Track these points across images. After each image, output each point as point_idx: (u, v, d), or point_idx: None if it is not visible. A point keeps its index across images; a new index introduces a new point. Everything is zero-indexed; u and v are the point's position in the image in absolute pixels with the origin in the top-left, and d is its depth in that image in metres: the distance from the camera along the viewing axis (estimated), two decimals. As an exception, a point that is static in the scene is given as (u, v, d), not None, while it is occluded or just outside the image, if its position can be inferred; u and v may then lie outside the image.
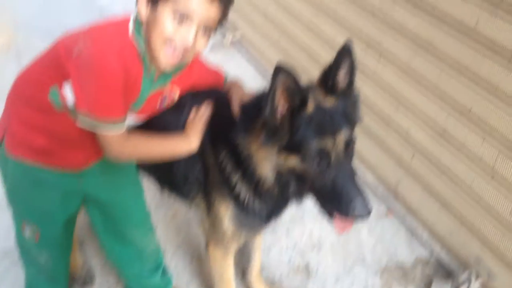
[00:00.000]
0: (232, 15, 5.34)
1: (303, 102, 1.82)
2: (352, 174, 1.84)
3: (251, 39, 4.81)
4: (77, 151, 2.01)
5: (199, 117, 2.05)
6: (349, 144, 1.84)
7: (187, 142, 2.00)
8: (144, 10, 1.77)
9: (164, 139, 1.99)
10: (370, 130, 3.33)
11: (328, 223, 1.90)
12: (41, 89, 1.85)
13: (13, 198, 2.15)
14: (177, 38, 1.73)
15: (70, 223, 2.25)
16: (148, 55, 1.80)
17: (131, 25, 1.80)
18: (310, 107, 1.83)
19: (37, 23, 5.33)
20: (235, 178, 2.06)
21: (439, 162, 2.87)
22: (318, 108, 1.85)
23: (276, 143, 1.85)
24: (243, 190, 2.07)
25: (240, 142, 1.98)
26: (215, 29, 1.85)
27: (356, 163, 3.46)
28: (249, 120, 1.98)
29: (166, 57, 1.78)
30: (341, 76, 1.91)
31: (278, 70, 1.75)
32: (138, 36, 1.79)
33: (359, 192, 1.78)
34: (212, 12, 1.75)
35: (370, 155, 3.41)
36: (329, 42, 3.60)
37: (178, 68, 1.94)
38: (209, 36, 1.83)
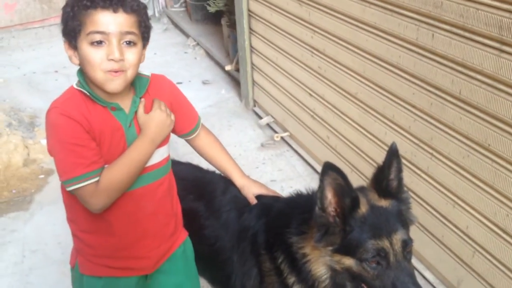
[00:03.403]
0: (281, 114, 5.41)
1: (355, 202, 1.85)
2: (412, 276, 1.82)
3: (300, 137, 4.94)
4: (140, 251, 2.07)
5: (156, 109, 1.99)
6: (407, 245, 1.84)
7: (145, 140, 1.94)
8: (73, 56, 1.84)
9: (124, 153, 1.92)
10: (427, 228, 3.30)
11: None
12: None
13: None
14: (105, 59, 1.77)
15: None
16: (97, 92, 1.86)
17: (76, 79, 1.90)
18: (364, 208, 1.87)
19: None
20: (291, 280, 2.06)
21: (502, 261, 2.80)
22: (373, 209, 1.88)
23: (330, 242, 1.86)
24: None
25: (295, 242, 2.00)
26: (143, 35, 1.88)
27: (415, 262, 3.40)
28: (303, 221, 2.03)
29: (110, 83, 1.81)
30: (392, 178, 1.96)
31: (326, 169, 1.80)
32: (80, 81, 1.86)
33: None
34: (121, 20, 1.78)
35: (429, 254, 3.35)
36: (377, 141, 3.68)
37: (140, 89, 1.98)
38: (136, 46, 1.84)
